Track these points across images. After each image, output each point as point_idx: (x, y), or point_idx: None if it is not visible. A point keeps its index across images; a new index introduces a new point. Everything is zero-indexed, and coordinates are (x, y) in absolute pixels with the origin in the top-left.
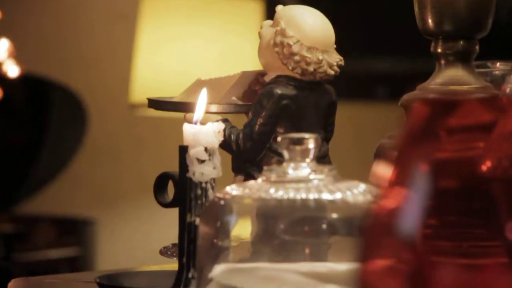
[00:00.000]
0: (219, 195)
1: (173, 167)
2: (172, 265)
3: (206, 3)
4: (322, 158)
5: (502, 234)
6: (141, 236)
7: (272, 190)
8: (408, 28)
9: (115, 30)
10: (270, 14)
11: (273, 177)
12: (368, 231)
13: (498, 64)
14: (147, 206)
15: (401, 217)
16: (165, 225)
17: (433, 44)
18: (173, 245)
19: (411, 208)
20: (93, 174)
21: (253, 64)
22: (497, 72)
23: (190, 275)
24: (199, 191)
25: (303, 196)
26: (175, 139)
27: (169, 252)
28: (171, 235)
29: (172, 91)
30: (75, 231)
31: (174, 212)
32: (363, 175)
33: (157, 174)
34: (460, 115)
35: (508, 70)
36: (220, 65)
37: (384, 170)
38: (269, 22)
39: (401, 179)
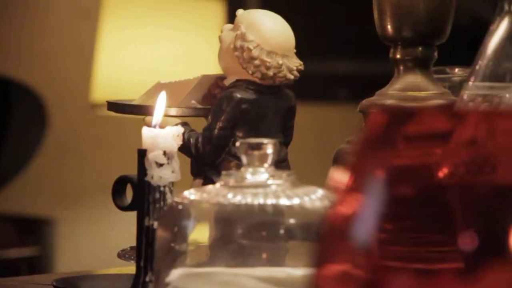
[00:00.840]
0: (177, 199)
1: (135, 168)
2: (131, 268)
3: (168, 3)
4: (281, 162)
5: (457, 240)
6: (103, 237)
7: (230, 195)
8: (371, 30)
9: (77, 28)
10: (231, 14)
11: (231, 182)
12: (323, 237)
13: (456, 70)
14: (108, 207)
15: (356, 222)
16: (126, 227)
17: (392, 50)
18: (131, 248)
19: (366, 214)
20: (54, 173)
21: (215, 65)
22: (456, 78)
23: (147, 279)
24: (157, 195)
25: (261, 201)
26: (137, 139)
27: (127, 255)
28: (133, 237)
29: (133, 91)
30: (35, 231)
31: (135, 213)
32: (325, 177)
33: (119, 174)
34: (417, 123)
35: (466, 77)
36: (182, 65)
37: (340, 176)
38: (230, 26)
39: (357, 185)
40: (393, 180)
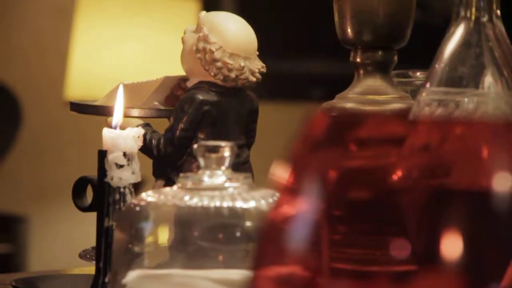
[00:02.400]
0: (134, 201)
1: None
2: (93, 268)
3: (143, 2)
4: (243, 164)
5: (411, 242)
6: (76, 236)
7: (187, 198)
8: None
9: (53, 26)
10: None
11: (189, 184)
12: (264, 237)
13: (418, 73)
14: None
15: (305, 224)
16: (89, 227)
17: (352, 53)
18: (93, 248)
19: (312, 215)
20: (28, 170)
21: None
22: (418, 82)
23: (106, 280)
24: (117, 196)
25: (217, 204)
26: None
27: (88, 256)
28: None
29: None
30: (7, 228)
31: None
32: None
33: (94, 172)
34: (370, 127)
35: (424, 81)
36: (157, 64)
37: (282, 174)
38: (192, 27)
39: (300, 186)
40: (346, 181)
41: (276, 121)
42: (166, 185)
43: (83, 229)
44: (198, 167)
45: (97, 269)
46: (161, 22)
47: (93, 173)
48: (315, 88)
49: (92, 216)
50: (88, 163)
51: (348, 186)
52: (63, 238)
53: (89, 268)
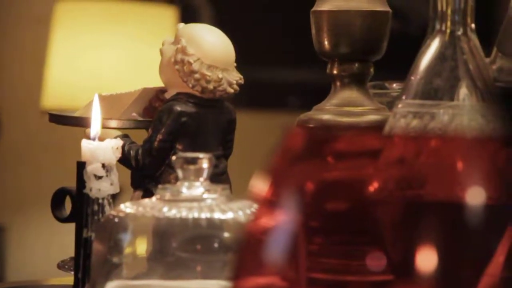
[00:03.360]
0: (113, 212)
1: (64, 174)
2: (71, 278)
3: (121, 11)
4: (220, 175)
5: (387, 253)
6: (54, 246)
7: (165, 209)
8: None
9: (30, 35)
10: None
11: (167, 195)
12: (243, 248)
13: (394, 85)
14: (50, 216)
15: (280, 235)
16: (67, 237)
17: (329, 65)
18: (71, 258)
19: (291, 227)
20: (5, 180)
21: None
22: (394, 93)
23: None
24: (96, 207)
25: (195, 215)
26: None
27: (66, 266)
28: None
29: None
30: None
31: None
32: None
33: (71, 182)
34: (347, 140)
35: (400, 93)
36: (134, 72)
37: (261, 187)
38: (170, 39)
39: (279, 198)
40: (322, 193)
41: (251, 130)
42: (144, 196)
43: (61, 239)
44: (176, 178)
45: (76, 279)
46: (138, 31)
47: (71, 182)
48: (289, 97)
49: (70, 226)
50: (66, 172)
51: (325, 198)
52: (40, 249)
53: (67, 279)
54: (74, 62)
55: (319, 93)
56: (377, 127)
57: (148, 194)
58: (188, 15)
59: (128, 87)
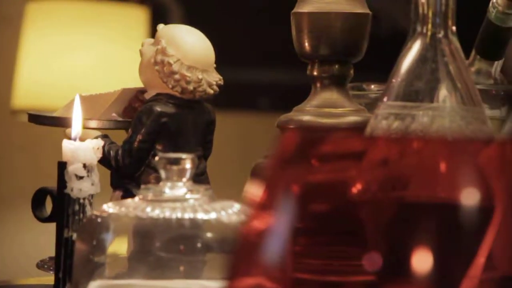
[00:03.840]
0: (96, 212)
1: (55, 175)
2: (49, 278)
3: (92, 12)
4: (200, 176)
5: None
6: (23, 246)
7: (148, 209)
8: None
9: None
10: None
11: (150, 196)
12: (237, 250)
13: (372, 86)
14: (29, 216)
15: (270, 236)
16: (48, 237)
17: (309, 67)
18: (50, 258)
19: (279, 228)
20: None
21: (136, 75)
22: (372, 95)
23: None
24: (77, 207)
25: (179, 215)
26: (57, 147)
27: (46, 266)
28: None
29: (56, 98)
30: None
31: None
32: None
33: (39, 182)
34: (331, 142)
35: (380, 95)
36: (105, 73)
37: (255, 191)
38: (150, 40)
39: (270, 201)
40: (307, 195)
41: (226, 130)
42: (123, 196)
43: (29, 239)
44: (156, 178)
45: (57, 279)
46: (109, 31)
47: (46, 181)
48: (263, 98)
49: (47, 226)
50: (41, 171)
51: (309, 200)
52: (18, 249)
53: (46, 278)
54: (45, 62)
55: (294, 94)
56: (358, 128)
57: (128, 194)
58: (158, 15)
59: (99, 86)
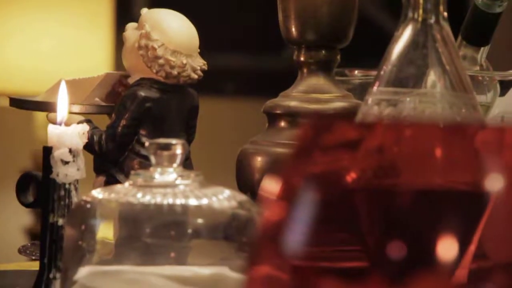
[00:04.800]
0: (85, 198)
1: (25, 159)
2: (30, 263)
3: None
4: (184, 161)
5: (363, 240)
6: (11, 231)
7: (139, 195)
8: (256, 25)
9: None
10: (120, 10)
11: (140, 181)
12: (254, 242)
13: (356, 72)
14: (4, 202)
15: (279, 228)
16: (25, 222)
17: (296, 52)
18: (32, 244)
19: (291, 221)
20: None
21: (102, 60)
22: (356, 80)
23: (51, 276)
24: (62, 192)
25: (170, 201)
26: (24, 131)
27: (28, 251)
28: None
29: (19, 84)
30: None
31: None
32: (210, 169)
33: (7, 167)
34: (331, 133)
35: (372, 81)
36: (68, 59)
37: (272, 185)
38: (134, 24)
39: (284, 194)
40: (308, 186)
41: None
42: (107, 181)
43: (5, 225)
44: (140, 164)
45: (42, 265)
46: (74, 17)
47: (21, 165)
48: (231, 82)
49: (15, 211)
50: (15, 156)
51: (310, 190)
52: None
53: (27, 264)
54: (6, 49)
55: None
56: (346, 114)
57: (111, 179)
58: (124, 2)
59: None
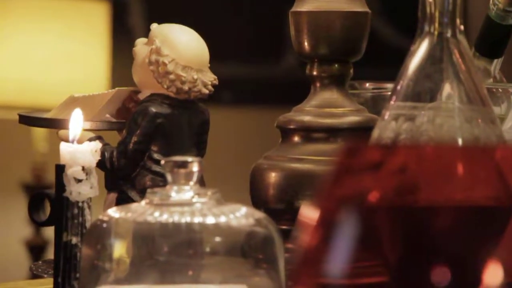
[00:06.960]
0: (101, 217)
1: (17, 171)
2: (41, 281)
3: (52, 6)
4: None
5: (383, 256)
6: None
7: (156, 213)
8: (256, 33)
9: None
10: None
11: (156, 200)
12: (293, 265)
13: (367, 84)
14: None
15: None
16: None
17: (308, 66)
18: (43, 262)
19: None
20: None
21: (98, 70)
22: (368, 94)
23: None
24: (75, 210)
25: (187, 219)
26: (23, 144)
27: (40, 270)
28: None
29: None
30: None
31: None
32: (211, 176)
33: (3, 179)
34: (357, 157)
35: (381, 93)
36: (64, 68)
37: (310, 211)
38: (144, 40)
39: (319, 219)
40: (338, 210)
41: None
42: (118, 197)
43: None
44: (151, 180)
45: (56, 283)
46: (69, 27)
47: (20, 177)
48: (224, 91)
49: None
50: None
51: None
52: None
53: (36, 281)
54: (5, 58)
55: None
56: (361, 129)
57: (123, 196)
58: (119, 11)
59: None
